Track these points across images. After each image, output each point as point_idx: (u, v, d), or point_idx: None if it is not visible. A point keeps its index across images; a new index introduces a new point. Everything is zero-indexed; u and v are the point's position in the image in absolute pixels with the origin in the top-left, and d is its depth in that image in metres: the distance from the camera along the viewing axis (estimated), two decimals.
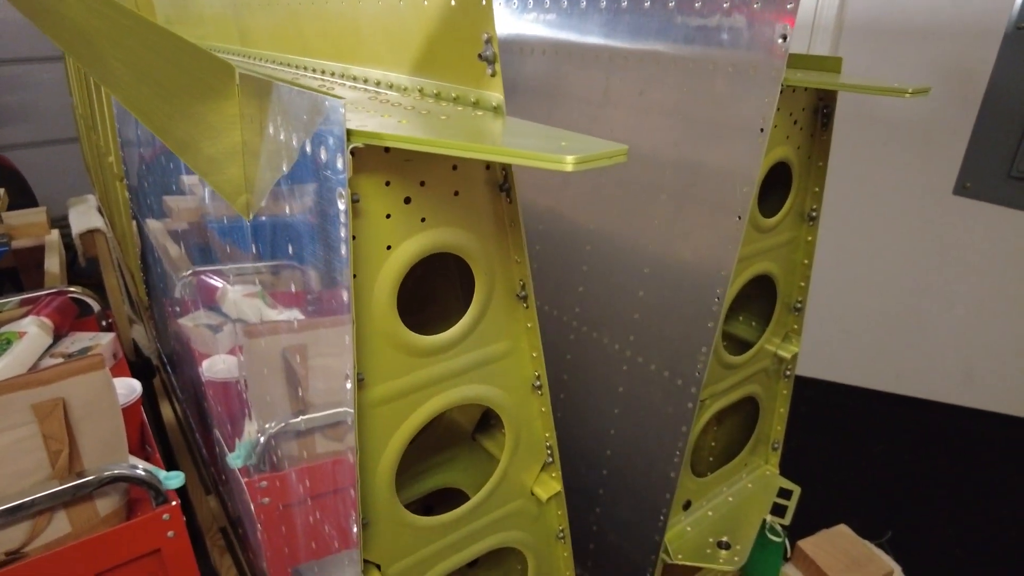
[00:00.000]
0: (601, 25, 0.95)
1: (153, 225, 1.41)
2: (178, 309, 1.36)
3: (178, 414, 2.27)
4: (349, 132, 0.44)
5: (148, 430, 1.37)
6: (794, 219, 0.94)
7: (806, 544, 1.26)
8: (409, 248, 0.54)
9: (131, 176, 1.69)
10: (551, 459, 0.74)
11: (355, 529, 0.58)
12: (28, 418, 1.13)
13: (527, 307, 0.64)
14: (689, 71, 0.84)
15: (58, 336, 1.55)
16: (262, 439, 0.86)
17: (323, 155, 0.48)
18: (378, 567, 0.64)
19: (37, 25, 0.59)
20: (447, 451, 0.84)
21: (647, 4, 0.87)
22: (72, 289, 1.72)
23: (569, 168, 0.37)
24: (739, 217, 0.81)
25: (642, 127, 0.90)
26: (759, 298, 1.04)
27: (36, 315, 1.55)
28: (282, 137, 0.55)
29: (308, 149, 0.50)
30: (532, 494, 0.75)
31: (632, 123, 0.92)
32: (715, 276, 0.85)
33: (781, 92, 0.76)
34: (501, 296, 0.62)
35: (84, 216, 3.10)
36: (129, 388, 1.31)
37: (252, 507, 1.07)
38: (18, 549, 1.13)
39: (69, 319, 1.62)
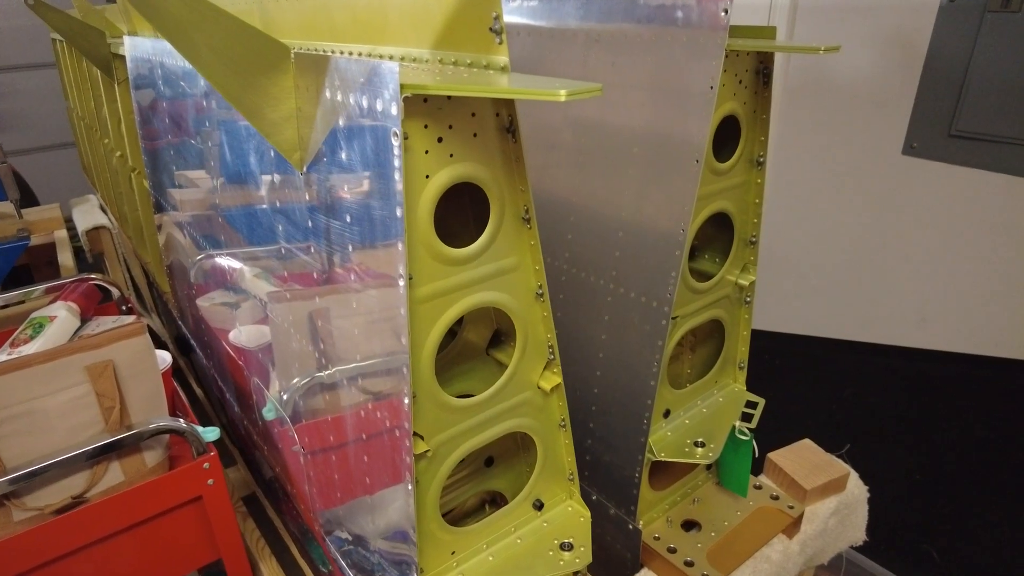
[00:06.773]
0: (577, 8, 1.13)
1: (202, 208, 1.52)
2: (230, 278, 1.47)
3: (198, 393, 2.43)
4: (402, 85, 0.61)
5: (180, 396, 1.51)
6: (745, 164, 1.12)
7: (775, 455, 1.45)
8: (442, 177, 0.71)
9: (159, 170, 1.83)
10: (552, 356, 0.92)
11: (407, 401, 0.76)
12: (83, 378, 1.25)
13: (530, 228, 0.81)
14: (652, 43, 1.02)
15: (84, 320, 1.62)
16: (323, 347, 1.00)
17: (379, 106, 0.65)
18: (421, 437, 0.81)
19: (144, 16, 0.76)
20: (466, 364, 1.02)
21: None
22: (94, 276, 1.84)
23: (562, 98, 0.55)
24: (697, 161, 0.99)
25: (615, 91, 1.08)
26: (720, 239, 1.22)
27: (64, 300, 1.63)
28: (339, 98, 0.72)
29: (365, 103, 0.67)
30: (538, 388, 0.93)
31: (607, 88, 1.10)
32: (679, 212, 1.03)
33: (726, 56, 0.95)
34: (510, 219, 0.79)
35: (88, 214, 3.23)
36: (161, 358, 1.42)
37: (301, 445, 1.23)
38: (81, 494, 1.27)
39: (93, 304, 1.70)
